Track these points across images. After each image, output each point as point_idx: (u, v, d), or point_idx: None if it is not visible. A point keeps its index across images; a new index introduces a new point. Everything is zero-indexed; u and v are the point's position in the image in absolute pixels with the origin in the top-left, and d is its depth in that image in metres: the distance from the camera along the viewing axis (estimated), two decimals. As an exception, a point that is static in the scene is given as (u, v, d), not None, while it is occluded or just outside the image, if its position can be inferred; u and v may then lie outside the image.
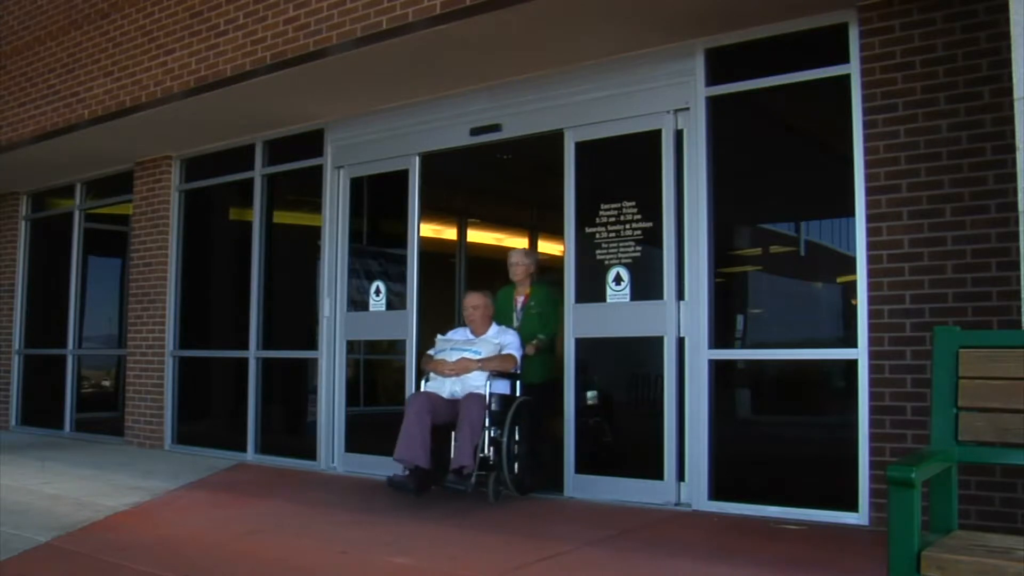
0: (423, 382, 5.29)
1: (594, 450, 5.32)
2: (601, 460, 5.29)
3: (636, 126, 5.23)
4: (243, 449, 6.99)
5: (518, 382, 5.26)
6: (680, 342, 4.98)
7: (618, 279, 5.24)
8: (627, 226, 5.24)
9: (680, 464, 4.92)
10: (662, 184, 5.07)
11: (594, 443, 5.33)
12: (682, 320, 4.98)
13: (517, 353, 5.27)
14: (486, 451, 4.89)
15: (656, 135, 5.12)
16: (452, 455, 4.83)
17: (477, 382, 5.07)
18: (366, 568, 3.69)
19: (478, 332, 5.39)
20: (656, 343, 5.04)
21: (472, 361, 5.15)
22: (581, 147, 5.45)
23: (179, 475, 6.05)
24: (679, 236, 5.02)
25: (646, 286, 5.13)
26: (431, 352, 5.43)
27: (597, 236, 5.34)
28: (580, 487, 5.23)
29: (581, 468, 5.27)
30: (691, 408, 4.88)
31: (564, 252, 5.53)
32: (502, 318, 5.60)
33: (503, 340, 5.31)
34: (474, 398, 4.93)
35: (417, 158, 6.19)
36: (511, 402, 5.11)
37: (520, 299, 5.70)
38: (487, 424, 4.92)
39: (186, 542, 4.19)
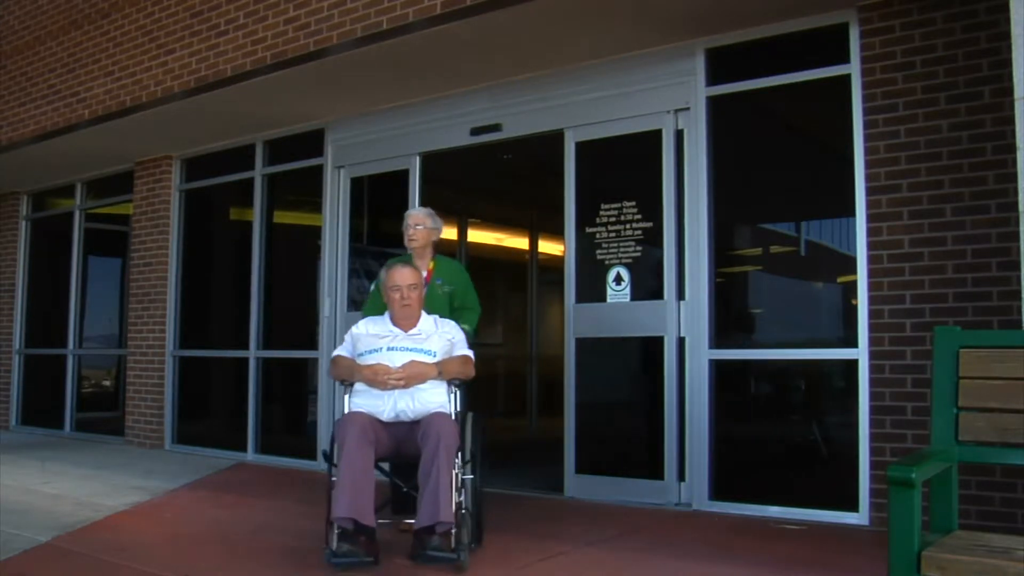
0: (346, 397, 3.82)
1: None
2: (602, 462, 5.29)
3: (636, 126, 5.23)
4: (243, 449, 6.99)
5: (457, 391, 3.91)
6: (680, 342, 4.97)
7: (618, 279, 5.23)
8: (627, 226, 5.23)
9: (681, 464, 4.92)
10: (662, 184, 5.07)
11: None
12: (682, 320, 4.98)
13: (471, 352, 4.01)
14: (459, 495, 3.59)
15: (656, 135, 5.12)
16: (420, 507, 3.45)
17: (436, 397, 3.74)
18: (366, 568, 3.68)
19: (409, 324, 3.88)
20: (656, 343, 5.05)
21: (428, 365, 3.75)
22: (581, 147, 5.44)
23: (179, 475, 6.05)
24: (679, 236, 5.02)
25: (646, 286, 5.13)
26: (342, 352, 3.95)
27: (597, 236, 5.34)
28: (580, 487, 5.23)
29: (581, 468, 5.27)
30: (691, 408, 4.87)
31: (564, 252, 5.52)
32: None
33: (453, 334, 3.95)
34: (445, 422, 3.59)
35: (418, 158, 6.18)
36: (464, 420, 3.85)
37: (422, 273, 4.31)
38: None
39: (186, 542, 4.19)
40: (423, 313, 3.95)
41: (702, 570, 3.64)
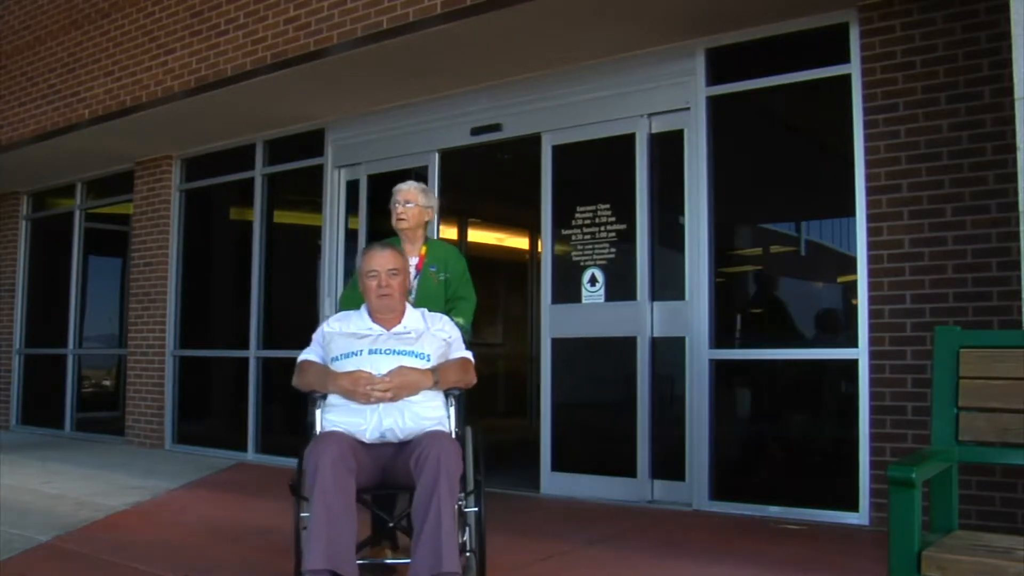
0: (318, 412, 3.05)
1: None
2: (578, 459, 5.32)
3: (612, 130, 5.27)
4: (243, 449, 6.99)
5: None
6: (653, 342, 5.04)
7: (593, 280, 5.26)
8: (602, 228, 5.29)
9: (653, 461, 4.98)
10: (635, 186, 5.12)
11: None
12: (655, 320, 5.04)
13: (470, 353, 3.29)
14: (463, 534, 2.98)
15: (631, 138, 5.18)
16: (416, 552, 2.73)
17: (431, 411, 3.01)
18: (366, 568, 3.68)
19: (391, 320, 3.15)
20: (630, 343, 5.08)
21: (421, 373, 3.01)
22: (557, 150, 5.50)
23: (179, 475, 6.05)
24: (652, 237, 5.09)
25: (620, 287, 5.17)
26: (311, 356, 3.17)
27: (573, 238, 5.40)
28: (556, 485, 5.30)
29: (557, 466, 5.33)
30: (692, 408, 4.87)
31: (541, 253, 5.58)
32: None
33: (448, 332, 3.23)
34: (444, 443, 2.84)
35: (436, 155, 6.14)
36: (464, 438, 3.15)
37: (413, 259, 3.79)
38: None
39: (186, 542, 4.19)
40: (408, 306, 3.23)
41: (702, 570, 3.64)
